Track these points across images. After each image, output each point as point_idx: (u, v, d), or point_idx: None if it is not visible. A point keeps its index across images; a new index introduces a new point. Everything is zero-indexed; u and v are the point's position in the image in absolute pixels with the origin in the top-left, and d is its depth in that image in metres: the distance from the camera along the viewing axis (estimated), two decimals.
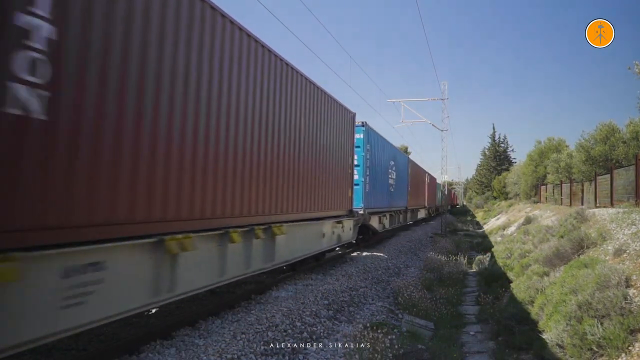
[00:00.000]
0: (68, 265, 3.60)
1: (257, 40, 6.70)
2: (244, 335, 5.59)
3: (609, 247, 7.18)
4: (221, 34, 5.73)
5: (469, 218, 48.20)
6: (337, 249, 13.60)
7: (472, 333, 7.51)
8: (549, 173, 26.84)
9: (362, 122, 13.68)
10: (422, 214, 31.83)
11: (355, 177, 12.91)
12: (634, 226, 7.62)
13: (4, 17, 3.12)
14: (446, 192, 47.84)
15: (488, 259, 14.30)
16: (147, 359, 4.89)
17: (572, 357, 4.74)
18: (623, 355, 4.29)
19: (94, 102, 3.83)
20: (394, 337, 6.08)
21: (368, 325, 6.69)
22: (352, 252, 14.53)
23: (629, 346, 4.33)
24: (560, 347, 5.01)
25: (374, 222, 15.42)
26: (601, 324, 4.64)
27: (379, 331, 6.10)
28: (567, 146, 29.89)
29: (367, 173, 14.00)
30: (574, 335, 4.79)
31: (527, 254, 10.78)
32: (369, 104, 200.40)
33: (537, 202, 29.31)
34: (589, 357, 4.58)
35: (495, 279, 10.60)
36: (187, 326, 6.05)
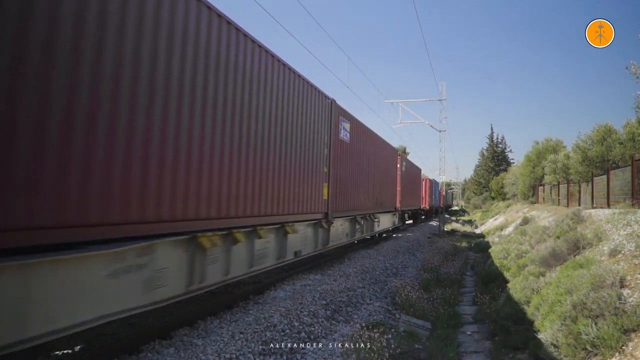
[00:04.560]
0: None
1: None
2: (242, 335, 5.63)
3: (605, 248, 7.23)
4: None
5: (467, 219, 48.17)
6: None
7: (468, 333, 7.57)
8: (546, 174, 26.93)
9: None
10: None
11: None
12: (629, 227, 7.68)
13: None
14: (444, 193, 46.41)
15: (485, 259, 14.36)
16: (147, 358, 4.93)
17: (566, 357, 4.79)
18: (617, 354, 4.34)
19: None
20: (391, 337, 6.12)
21: (365, 325, 6.73)
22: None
23: (622, 346, 4.38)
24: (555, 346, 5.06)
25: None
26: (595, 323, 4.70)
27: (376, 331, 6.14)
28: (564, 147, 30.01)
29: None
30: (569, 335, 4.85)
31: (523, 255, 10.83)
32: (367, 104, 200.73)
33: (535, 203, 29.41)
34: (583, 356, 4.63)
35: (492, 279, 10.66)
36: (185, 326, 6.09)
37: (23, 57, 3.31)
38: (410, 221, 30.68)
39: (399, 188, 21.10)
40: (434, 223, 35.11)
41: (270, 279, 9.40)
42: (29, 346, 3.28)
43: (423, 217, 36.98)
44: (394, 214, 20.70)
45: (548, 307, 5.86)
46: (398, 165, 21.19)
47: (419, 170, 32.05)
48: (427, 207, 36.28)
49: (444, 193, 45.46)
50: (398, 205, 21.01)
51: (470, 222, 44.10)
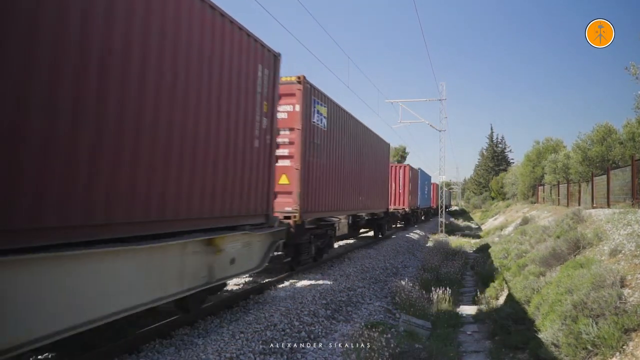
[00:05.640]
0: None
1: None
2: (242, 335, 5.62)
3: (605, 248, 7.24)
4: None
5: (464, 222, 47.97)
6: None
7: (469, 332, 7.57)
8: (546, 173, 26.97)
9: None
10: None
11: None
12: (629, 227, 7.68)
13: None
14: (440, 192, 38.40)
15: (485, 258, 14.36)
16: (147, 358, 4.93)
17: (567, 356, 4.79)
18: (617, 354, 4.34)
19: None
20: (391, 336, 6.12)
21: (365, 324, 6.73)
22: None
23: (623, 345, 4.38)
24: (556, 346, 5.06)
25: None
26: (596, 323, 4.70)
27: (376, 330, 6.14)
28: (564, 147, 30.06)
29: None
30: (569, 335, 4.85)
31: (523, 254, 10.84)
32: (367, 104, 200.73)
33: (535, 203, 29.43)
34: (583, 356, 4.63)
35: (492, 279, 10.66)
36: (186, 326, 6.08)
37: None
38: (370, 233, 19.33)
39: (295, 165, 9.06)
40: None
41: (271, 279, 9.38)
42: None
43: (400, 224, 25.92)
44: (241, 244, 6.62)
45: (548, 307, 5.86)
46: (297, 108, 9.04)
47: (385, 145, 17.97)
48: (407, 210, 23.91)
49: (439, 191, 34.30)
50: (290, 206, 8.98)
51: (470, 222, 43.74)
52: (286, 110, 9.01)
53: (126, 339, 5.30)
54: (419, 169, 29.51)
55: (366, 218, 16.82)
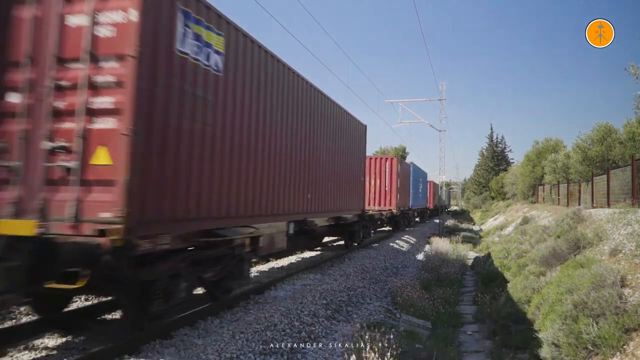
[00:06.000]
0: None
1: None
2: (242, 335, 5.62)
3: (605, 247, 7.23)
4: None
5: (464, 222, 47.85)
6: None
7: (469, 332, 7.57)
8: (546, 173, 27.00)
9: None
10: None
11: None
12: (629, 226, 7.67)
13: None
14: (437, 192, 32.27)
15: (485, 258, 14.36)
16: (147, 357, 4.92)
17: (567, 356, 4.79)
18: (618, 354, 4.34)
19: None
20: (391, 336, 6.12)
21: (365, 324, 6.73)
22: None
23: (623, 345, 4.38)
24: (556, 346, 5.05)
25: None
26: (596, 323, 4.69)
27: (376, 331, 6.14)
28: (564, 147, 30.11)
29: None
30: (570, 335, 4.84)
31: (524, 254, 10.83)
32: (367, 104, 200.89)
33: (535, 203, 29.44)
34: (584, 355, 4.62)
35: (492, 279, 10.66)
36: (186, 326, 6.08)
37: None
38: (340, 242, 15.51)
39: (123, 128, 4.41)
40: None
41: (271, 279, 9.38)
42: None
43: (386, 228, 22.58)
44: None
45: (549, 307, 5.85)
46: (133, 17, 4.48)
47: (360, 126, 13.96)
48: (394, 211, 20.14)
49: (436, 191, 31.58)
50: (110, 210, 4.34)
51: (470, 222, 43.63)
52: (112, 21, 4.68)
53: (126, 338, 5.30)
54: (411, 163, 25.57)
55: (322, 225, 11.21)
